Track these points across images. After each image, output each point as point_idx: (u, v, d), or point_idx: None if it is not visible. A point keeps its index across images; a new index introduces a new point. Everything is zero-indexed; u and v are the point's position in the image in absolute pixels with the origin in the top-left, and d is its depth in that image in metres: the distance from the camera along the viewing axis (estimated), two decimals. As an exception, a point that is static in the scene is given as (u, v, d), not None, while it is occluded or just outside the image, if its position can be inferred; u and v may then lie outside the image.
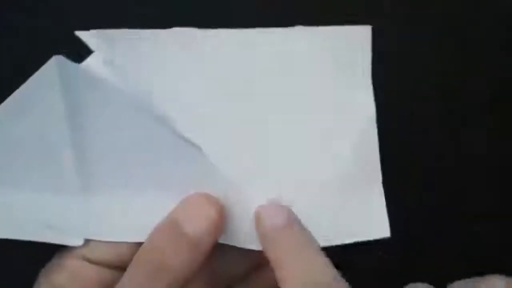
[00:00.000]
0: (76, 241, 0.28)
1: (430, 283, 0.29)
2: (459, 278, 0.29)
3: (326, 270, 0.25)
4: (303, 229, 0.27)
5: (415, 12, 0.35)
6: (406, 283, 0.30)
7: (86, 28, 0.27)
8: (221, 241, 0.27)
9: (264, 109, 0.28)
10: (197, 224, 0.26)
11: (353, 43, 0.28)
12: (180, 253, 0.25)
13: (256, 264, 0.29)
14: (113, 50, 0.27)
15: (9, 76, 0.29)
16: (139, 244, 0.27)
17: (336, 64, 0.28)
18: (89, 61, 0.28)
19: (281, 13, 0.35)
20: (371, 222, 0.28)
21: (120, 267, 0.27)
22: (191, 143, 0.28)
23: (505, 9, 0.35)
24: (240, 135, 0.28)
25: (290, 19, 0.28)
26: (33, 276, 0.28)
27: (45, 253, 0.28)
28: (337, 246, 0.28)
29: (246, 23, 0.27)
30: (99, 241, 0.28)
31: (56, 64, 0.27)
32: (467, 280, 0.29)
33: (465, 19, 0.35)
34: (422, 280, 0.30)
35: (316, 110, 0.28)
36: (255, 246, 0.28)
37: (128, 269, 0.26)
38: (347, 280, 0.26)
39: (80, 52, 0.28)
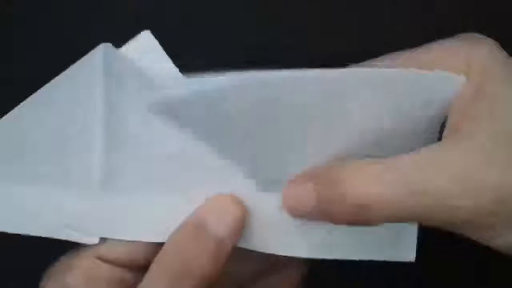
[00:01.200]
0: (92, 240, 0.27)
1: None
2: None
3: None
4: None
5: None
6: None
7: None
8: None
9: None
10: (224, 225, 0.26)
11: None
12: (206, 254, 0.25)
13: (268, 265, 0.29)
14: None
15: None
16: (155, 243, 0.27)
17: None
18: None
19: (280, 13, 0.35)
20: (400, 244, 0.28)
21: (134, 267, 0.27)
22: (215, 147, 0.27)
23: None
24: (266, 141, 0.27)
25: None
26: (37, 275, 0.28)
27: (50, 253, 0.28)
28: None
29: (245, 22, 0.27)
30: (114, 240, 0.27)
31: (103, 52, 0.26)
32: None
33: None
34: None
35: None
36: (268, 249, 0.27)
37: (151, 270, 0.26)
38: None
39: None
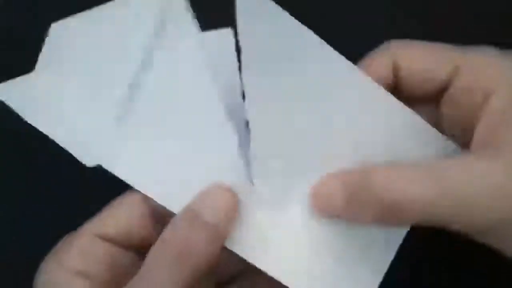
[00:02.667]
0: (89, 162, 0.28)
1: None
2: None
3: None
4: None
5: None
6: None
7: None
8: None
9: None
10: (215, 212, 0.26)
11: None
12: (203, 240, 0.26)
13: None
14: None
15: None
16: (151, 223, 0.28)
17: None
18: None
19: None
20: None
21: (131, 247, 0.28)
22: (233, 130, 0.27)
23: None
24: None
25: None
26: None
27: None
28: None
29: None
30: (108, 217, 0.28)
31: None
32: None
33: None
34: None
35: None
36: (253, 260, 0.27)
37: (151, 254, 0.26)
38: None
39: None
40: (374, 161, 0.27)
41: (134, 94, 0.28)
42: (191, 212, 0.26)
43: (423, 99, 0.28)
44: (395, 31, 0.35)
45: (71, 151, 0.28)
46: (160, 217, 0.29)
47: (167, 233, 0.26)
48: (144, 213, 0.28)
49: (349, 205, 0.26)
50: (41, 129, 0.28)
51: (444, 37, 0.29)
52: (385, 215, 0.25)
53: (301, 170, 0.27)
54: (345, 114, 0.27)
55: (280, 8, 0.25)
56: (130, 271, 0.28)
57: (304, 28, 0.26)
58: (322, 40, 0.26)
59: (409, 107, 0.27)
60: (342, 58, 0.27)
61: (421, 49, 0.28)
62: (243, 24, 0.25)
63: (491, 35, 0.35)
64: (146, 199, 0.28)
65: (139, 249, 0.29)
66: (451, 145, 0.28)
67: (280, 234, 0.27)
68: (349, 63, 0.27)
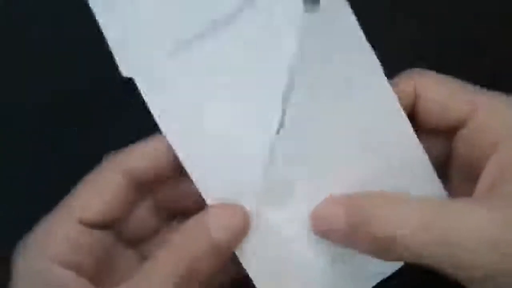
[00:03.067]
0: (128, 72, 0.27)
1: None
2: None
3: None
4: None
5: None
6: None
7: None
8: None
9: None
10: (225, 231, 0.26)
11: None
12: (209, 258, 0.26)
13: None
14: None
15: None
16: (130, 203, 0.28)
17: None
18: None
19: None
20: None
21: (109, 226, 0.28)
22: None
23: None
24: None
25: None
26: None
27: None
28: None
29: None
30: (88, 197, 0.27)
31: None
32: None
33: None
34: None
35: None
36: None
37: (153, 259, 0.26)
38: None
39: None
40: (375, 176, 0.28)
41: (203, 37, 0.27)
42: (201, 225, 0.26)
43: (437, 131, 0.28)
44: (395, 31, 0.35)
45: (115, 51, 0.27)
46: (143, 187, 0.28)
47: (172, 242, 0.26)
48: (125, 188, 0.28)
49: (348, 233, 0.26)
50: (99, 18, 0.27)
51: (444, 37, 0.29)
52: (378, 250, 0.25)
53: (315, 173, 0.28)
54: (360, 119, 0.28)
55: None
56: (111, 253, 0.28)
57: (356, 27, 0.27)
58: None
59: (419, 137, 0.28)
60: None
61: (442, 83, 0.28)
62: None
63: (491, 35, 0.35)
64: (127, 171, 0.28)
65: (119, 226, 0.28)
66: (440, 190, 0.28)
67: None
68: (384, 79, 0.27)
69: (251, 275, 0.28)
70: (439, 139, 0.29)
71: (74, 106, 0.36)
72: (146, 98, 0.27)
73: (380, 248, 0.25)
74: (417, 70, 0.29)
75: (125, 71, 0.27)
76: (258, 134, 0.27)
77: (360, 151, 0.28)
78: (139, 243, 0.29)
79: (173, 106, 0.27)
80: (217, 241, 0.26)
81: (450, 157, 0.29)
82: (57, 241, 0.26)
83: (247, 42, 0.27)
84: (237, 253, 0.27)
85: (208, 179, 0.27)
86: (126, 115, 0.36)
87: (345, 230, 0.26)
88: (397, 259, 0.26)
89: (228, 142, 0.27)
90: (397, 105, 0.27)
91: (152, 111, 0.27)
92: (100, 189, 0.27)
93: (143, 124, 0.30)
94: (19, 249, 0.27)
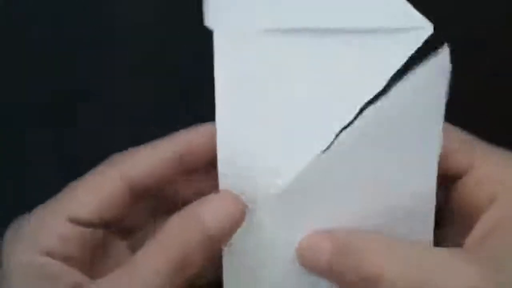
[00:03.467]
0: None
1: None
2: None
3: None
4: None
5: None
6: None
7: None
8: None
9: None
10: (220, 222, 0.26)
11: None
12: (199, 246, 0.26)
13: None
14: None
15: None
16: (128, 199, 0.27)
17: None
18: None
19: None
20: None
21: (102, 225, 0.27)
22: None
23: None
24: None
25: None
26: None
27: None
28: None
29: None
30: (82, 196, 0.27)
31: None
32: None
33: None
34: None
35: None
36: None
37: (144, 249, 0.26)
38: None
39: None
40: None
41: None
42: (193, 213, 0.26)
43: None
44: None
45: None
46: (139, 189, 0.28)
47: (164, 231, 0.26)
48: (121, 190, 0.28)
49: (332, 267, 0.26)
50: None
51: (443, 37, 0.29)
52: (360, 286, 0.25)
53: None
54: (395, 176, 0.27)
55: None
56: (104, 246, 0.28)
57: None
58: None
59: None
60: None
61: (445, 133, 0.28)
62: None
63: (491, 36, 0.36)
64: (125, 174, 0.28)
65: (113, 225, 0.28)
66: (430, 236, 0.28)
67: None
68: None
69: (224, 276, 0.28)
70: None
71: (74, 106, 0.36)
72: (215, 56, 0.27)
73: (362, 285, 0.25)
74: None
75: (210, 21, 0.27)
76: (303, 146, 0.27)
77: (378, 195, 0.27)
78: (133, 235, 0.29)
79: (236, 79, 0.27)
80: (211, 231, 0.26)
81: (445, 206, 0.29)
82: (47, 234, 0.26)
83: (332, 54, 0.27)
84: (224, 250, 0.27)
85: (231, 166, 0.27)
86: (127, 116, 0.36)
87: (328, 266, 0.26)
88: None
89: (269, 143, 0.27)
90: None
91: (216, 69, 0.27)
92: (96, 189, 0.27)
93: (144, 126, 0.30)
94: (8, 239, 0.27)
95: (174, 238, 0.26)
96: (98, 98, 0.36)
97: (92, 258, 0.27)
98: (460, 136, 0.28)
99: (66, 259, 0.26)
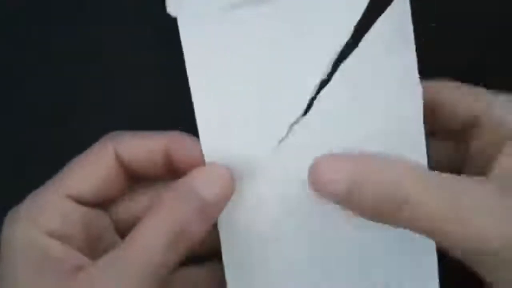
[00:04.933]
0: (174, 11, 0.27)
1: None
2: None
3: None
4: None
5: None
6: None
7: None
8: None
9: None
10: (213, 190, 0.27)
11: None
12: (196, 215, 0.26)
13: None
14: None
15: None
16: (123, 178, 0.28)
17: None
18: None
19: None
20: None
21: (99, 204, 0.28)
22: None
23: None
24: None
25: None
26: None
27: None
28: None
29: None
30: (79, 174, 0.28)
31: None
32: None
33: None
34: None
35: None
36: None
37: (143, 223, 0.26)
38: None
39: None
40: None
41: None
42: (186, 185, 0.27)
43: (452, 134, 0.30)
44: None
45: None
46: (132, 171, 0.29)
47: (160, 205, 0.26)
48: (116, 168, 0.28)
49: (353, 185, 0.26)
50: None
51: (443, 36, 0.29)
52: (386, 208, 0.25)
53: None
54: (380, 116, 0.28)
55: None
56: (102, 229, 0.28)
57: None
58: None
59: (433, 140, 0.28)
60: None
61: (455, 86, 0.29)
62: None
63: (490, 36, 0.36)
64: (117, 151, 0.28)
65: (110, 205, 0.29)
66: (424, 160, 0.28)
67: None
68: None
69: (223, 248, 0.28)
70: (453, 142, 0.30)
71: (74, 106, 0.36)
72: (182, 40, 0.27)
73: (388, 207, 0.25)
74: (433, 81, 0.29)
75: (172, 9, 0.27)
76: (281, 112, 0.28)
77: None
78: (125, 223, 0.30)
79: (206, 59, 0.27)
80: (206, 199, 0.26)
81: (465, 159, 0.29)
82: (46, 213, 0.27)
83: (297, 19, 0.27)
84: (218, 221, 0.28)
85: (215, 140, 0.28)
86: (125, 115, 0.36)
87: (349, 186, 0.25)
88: (400, 222, 0.25)
89: (248, 113, 0.28)
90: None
91: (185, 55, 0.27)
92: (92, 168, 0.28)
93: (144, 125, 0.30)
94: (8, 220, 0.27)
95: (171, 210, 0.26)
96: (98, 98, 0.36)
97: (89, 238, 0.28)
98: (467, 87, 0.29)
99: (67, 239, 0.27)
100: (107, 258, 0.26)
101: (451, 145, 0.30)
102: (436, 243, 0.27)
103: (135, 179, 0.29)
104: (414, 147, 0.27)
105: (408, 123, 0.27)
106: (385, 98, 0.27)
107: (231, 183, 0.27)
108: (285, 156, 0.28)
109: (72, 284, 0.25)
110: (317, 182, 0.26)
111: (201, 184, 0.27)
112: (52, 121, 0.36)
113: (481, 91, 0.29)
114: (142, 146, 0.28)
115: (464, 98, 0.29)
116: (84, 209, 0.28)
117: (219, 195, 0.27)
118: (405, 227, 0.25)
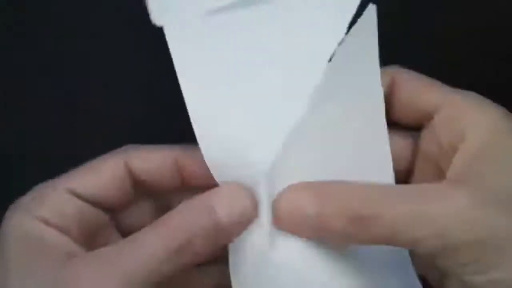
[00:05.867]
0: (159, 20, 0.27)
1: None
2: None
3: None
4: None
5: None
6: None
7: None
8: None
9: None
10: (231, 214, 0.26)
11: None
12: (207, 234, 0.26)
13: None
14: None
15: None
16: (129, 186, 0.28)
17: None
18: None
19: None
20: None
21: (101, 205, 0.28)
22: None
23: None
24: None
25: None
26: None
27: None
28: None
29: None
30: (83, 174, 0.28)
31: None
32: None
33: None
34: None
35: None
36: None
37: (152, 229, 0.26)
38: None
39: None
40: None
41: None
42: (204, 202, 0.26)
43: (408, 125, 0.29)
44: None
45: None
46: (140, 183, 0.29)
47: (176, 214, 0.26)
48: (123, 176, 0.28)
49: (319, 212, 0.25)
50: None
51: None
52: (353, 229, 0.25)
53: None
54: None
55: None
56: (101, 226, 0.28)
57: None
58: None
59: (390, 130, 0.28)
60: None
61: (416, 78, 0.29)
62: None
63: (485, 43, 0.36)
64: (127, 162, 0.28)
65: (113, 210, 0.29)
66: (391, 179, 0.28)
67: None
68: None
69: (232, 279, 0.27)
70: (408, 133, 0.29)
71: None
72: (171, 50, 0.27)
73: (355, 228, 0.25)
74: (394, 66, 0.29)
75: (157, 19, 0.27)
76: (273, 118, 0.27)
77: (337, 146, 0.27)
78: (131, 231, 0.30)
79: (196, 65, 0.27)
80: (221, 222, 0.26)
81: (417, 152, 0.29)
82: (44, 203, 0.27)
83: (288, 24, 0.27)
84: (230, 247, 0.27)
85: (212, 142, 0.27)
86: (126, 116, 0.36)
87: (315, 214, 0.25)
88: (371, 241, 0.25)
89: (240, 116, 0.27)
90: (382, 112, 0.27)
91: (175, 63, 0.27)
92: (98, 169, 0.28)
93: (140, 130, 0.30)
94: (7, 212, 0.27)
95: (182, 220, 0.26)
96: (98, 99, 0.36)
97: (86, 234, 0.27)
98: (426, 80, 0.29)
99: (62, 230, 0.26)
100: (103, 250, 0.25)
101: (404, 136, 0.30)
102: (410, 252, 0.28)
103: (144, 189, 0.29)
104: (381, 169, 0.27)
105: (374, 147, 0.27)
106: (353, 128, 0.27)
107: (254, 210, 0.26)
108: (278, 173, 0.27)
109: (62, 270, 0.25)
110: (283, 219, 0.26)
111: (221, 206, 0.26)
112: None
113: (439, 85, 0.28)
114: (153, 159, 0.28)
115: (421, 90, 0.28)
116: (82, 203, 0.28)
117: (237, 222, 0.26)
118: (378, 243, 0.26)
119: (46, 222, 0.26)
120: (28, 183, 0.28)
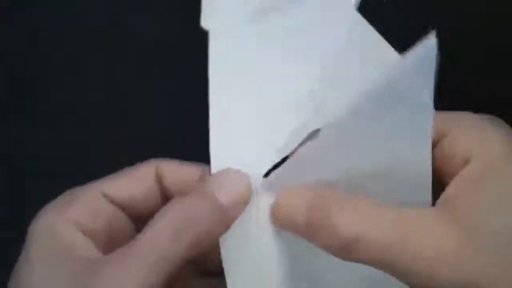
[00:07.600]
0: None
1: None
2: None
3: None
4: None
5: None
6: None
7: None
8: None
9: None
10: (230, 195, 0.26)
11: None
12: (209, 215, 0.26)
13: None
14: None
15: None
16: (159, 197, 0.29)
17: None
18: None
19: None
20: None
21: (133, 213, 0.29)
22: None
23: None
24: None
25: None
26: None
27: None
28: None
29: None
30: (117, 179, 0.28)
31: None
32: None
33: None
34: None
35: None
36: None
37: (154, 219, 0.26)
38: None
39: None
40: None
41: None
42: (206, 187, 0.27)
43: None
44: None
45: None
46: (169, 194, 0.29)
47: (176, 200, 0.26)
48: (154, 186, 0.29)
49: (309, 226, 0.26)
50: None
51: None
52: (341, 248, 0.25)
53: None
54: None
55: None
56: (127, 233, 0.28)
57: None
58: None
59: None
60: None
61: None
62: None
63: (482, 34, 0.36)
64: (159, 172, 0.29)
65: (140, 219, 0.29)
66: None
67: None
68: None
69: (225, 267, 0.27)
70: None
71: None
72: (210, 55, 0.28)
73: (343, 247, 0.25)
74: None
75: (205, 23, 0.28)
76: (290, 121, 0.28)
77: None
78: None
79: (231, 71, 0.28)
80: (221, 202, 0.26)
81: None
82: (79, 205, 0.27)
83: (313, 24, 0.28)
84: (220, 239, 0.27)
85: (224, 147, 0.28)
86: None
87: (305, 225, 0.26)
88: (360, 262, 0.25)
89: (259, 123, 0.28)
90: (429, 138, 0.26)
91: (210, 68, 0.28)
92: (131, 177, 0.29)
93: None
94: (38, 213, 0.27)
95: (182, 205, 0.26)
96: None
97: (111, 240, 0.28)
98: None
99: (91, 233, 0.27)
100: (115, 254, 0.26)
101: None
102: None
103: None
104: (420, 189, 0.27)
105: (415, 164, 0.26)
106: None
107: (248, 189, 0.27)
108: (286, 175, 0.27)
109: (86, 277, 0.25)
110: (277, 219, 0.27)
111: (218, 188, 0.26)
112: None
113: (444, 112, 0.28)
114: (183, 172, 0.29)
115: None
116: (114, 208, 0.28)
117: (237, 202, 0.27)
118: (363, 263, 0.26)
119: (77, 224, 0.27)
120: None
